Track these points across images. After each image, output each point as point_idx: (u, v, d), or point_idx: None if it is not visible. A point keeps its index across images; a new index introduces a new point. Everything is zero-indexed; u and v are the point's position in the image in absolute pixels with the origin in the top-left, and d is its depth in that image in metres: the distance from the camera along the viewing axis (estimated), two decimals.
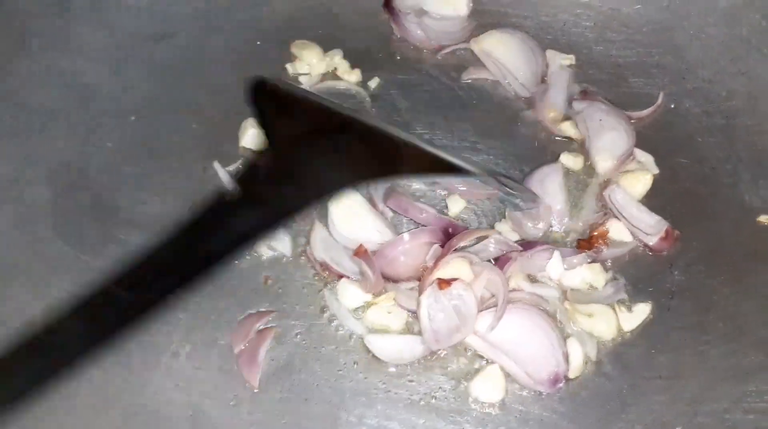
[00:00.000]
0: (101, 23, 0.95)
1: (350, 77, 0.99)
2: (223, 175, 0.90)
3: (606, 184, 0.90)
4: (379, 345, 0.79)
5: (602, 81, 1.00)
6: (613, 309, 0.82)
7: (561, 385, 0.78)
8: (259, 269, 0.85)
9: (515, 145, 0.94)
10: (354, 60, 1.00)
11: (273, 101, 0.72)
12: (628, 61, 1.01)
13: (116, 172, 0.90)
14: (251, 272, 0.85)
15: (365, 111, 0.93)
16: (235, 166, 0.91)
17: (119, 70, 0.95)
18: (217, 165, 0.91)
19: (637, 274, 0.85)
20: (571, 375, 0.79)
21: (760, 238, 0.87)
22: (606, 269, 0.85)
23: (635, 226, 0.86)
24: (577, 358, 0.79)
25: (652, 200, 0.89)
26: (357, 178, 0.67)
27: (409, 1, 1.02)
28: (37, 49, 0.90)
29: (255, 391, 0.78)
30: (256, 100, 0.72)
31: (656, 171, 0.91)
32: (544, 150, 0.94)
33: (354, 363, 0.80)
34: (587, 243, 0.85)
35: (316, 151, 0.67)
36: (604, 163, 0.91)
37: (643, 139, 0.93)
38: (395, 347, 0.79)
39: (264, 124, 0.71)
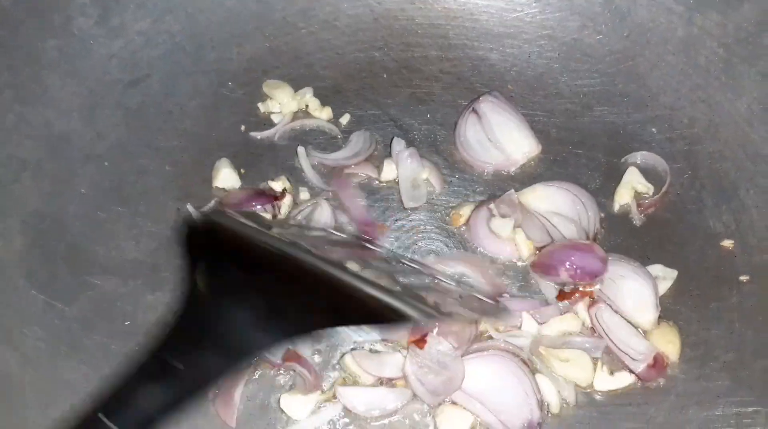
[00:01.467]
0: (71, 72, 0.96)
1: (322, 115, 1.01)
2: (196, 216, 0.91)
3: (593, 302, 0.85)
4: (350, 397, 0.80)
5: (568, 110, 1.02)
6: (593, 363, 0.82)
7: None
8: None
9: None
10: (324, 98, 1.02)
11: (205, 243, 0.70)
12: (592, 89, 1.04)
13: (90, 218, 0.90)
14: None
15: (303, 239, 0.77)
16: (208, 206, 0.92)
17: (91, 117, 0.96)
18: (189, 207, 0.92)
19: None
20: (553, 410, 0.80)
21: (724, 263, 0.89)
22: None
23: (622, 350, 0.81)
24: (554, 400, 0.80)
25: (618, 226, 0.92)
26: (290, 333, 0.62)
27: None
28: (9, 100, 0.91)
29: None
30: (190, 240, 0.69)
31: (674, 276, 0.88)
32: None
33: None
34: (567, 296, 0.86)
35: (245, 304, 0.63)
36: (647, 316, 0.84)
37: (608, 167, 0.96)
38: (367, 399, 0.80)
39: (194, 271, 0.67)
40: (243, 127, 1.00)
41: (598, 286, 0.86)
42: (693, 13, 1.01)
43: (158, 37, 1.02)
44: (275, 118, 1.01)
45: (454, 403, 0.80)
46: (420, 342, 0.79)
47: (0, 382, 0.79)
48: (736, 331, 0.84)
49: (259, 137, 0.99)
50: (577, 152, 0.99)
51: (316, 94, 1.02)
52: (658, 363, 0.81)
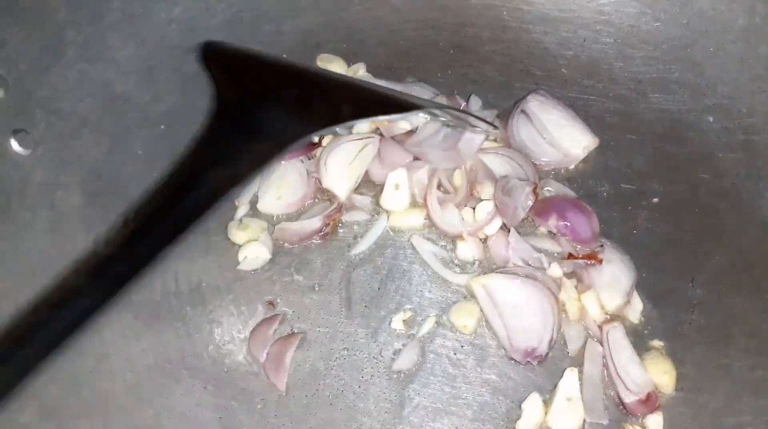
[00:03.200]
0: (133, 34, 0.97)
1: None
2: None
3: (608, 320, 0.83)
4: None
5: (623, 96, 1.01)
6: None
7: (532, 361, 0.80)
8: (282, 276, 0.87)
9: None
10: (376, 75, 1.02)
11: (222, 63, 0.77)
12: (648, 77, 1.02)
13: (146, 179, 0.90)
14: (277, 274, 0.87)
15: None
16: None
17: (149, 80, 0.97)
18: None
19: (655, 287, 0.86)
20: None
21: None
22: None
23: (619, 375, 0.78)
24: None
25: (672, 214, 0.90)
26: (310, 127, 0.69)
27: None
28: (71, 58, 0.92)
29: (282, 394, 0.79)
30: (207, 63, 0.76)
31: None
32: None
33: (378, 370, 0.81)
34: (574, 257, 0.86)
35: (267, 107, 0.70)
36: (612, 302, 0.83)
37: (662, 155, 0.95)
38: None
39: (216, 85, 0.74)
40: None
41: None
42: (755, 2, 0.99)
43: (217, 6, 1.03)
44: None
45: (471, 296, 0.84)
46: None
47: None
48: None
49: None
50: (631, 138, 0.98)
51: (367, 71, 1.02)
52: (650, 400, 0.78)
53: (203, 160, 0.67)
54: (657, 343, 0.83)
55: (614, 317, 0.83)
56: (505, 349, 0.82)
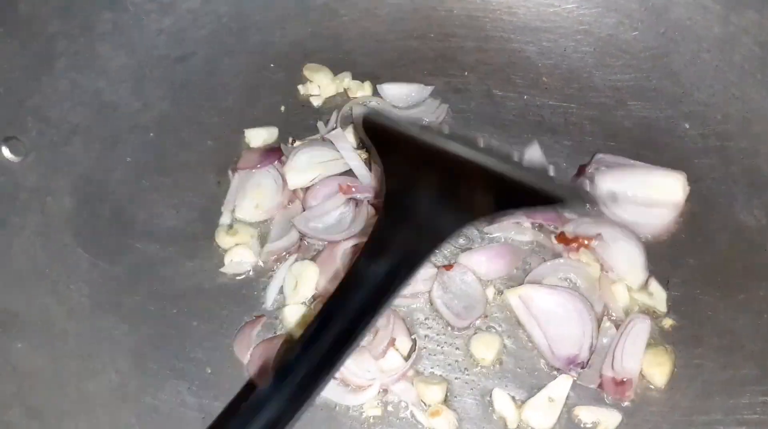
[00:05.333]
0: (123, 44, 1.00)
1: (363, 92, 1.03)
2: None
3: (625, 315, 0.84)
4: None
5: (602, 104, 1.03)
6: None
7: (575, 368, 0.81)
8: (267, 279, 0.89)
9: None
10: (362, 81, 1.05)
11: (387, 144, 0.75)
12: (626, 85, 1.05)
13: (134, 185, 0.94)
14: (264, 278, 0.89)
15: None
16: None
17: (138, 89, 1.00)
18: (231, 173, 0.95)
19: None
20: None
21: (753, 255, 0.90)
22: None
23: (613, 354, 0.80)
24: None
25: None
26: (465, 218, 0.68)
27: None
28: (63, 67, 0.95)
29: None
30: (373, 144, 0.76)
31: (664, 310, 0.86)
32: None
33: None
34: (567, 241, 0.88)
35: (431, 197, 0.68)
36: (636, 280, 0.86)
37: (641, 159, 0.97)
38: None
39: (385, 172, 0.72)
40: (282, 108, 1.02)
41: (596, 242, 0.87)
42: (730, 12, 1.02)
43: (206, 17, 1.06)
44: (314, 101, 1.03)
45: (487, 328, 0.85)
46: (448, 267, 0.86)
47: (45, 331, 0.83)
48: (764, 322, 0.85)
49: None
50: (610, 145, 1.00)
51: (354, 79, 1.05)
52: (624, 385, 0.80)
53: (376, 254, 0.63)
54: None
55: (642, 309, 0.86)
56: (545, 359, 0.83)
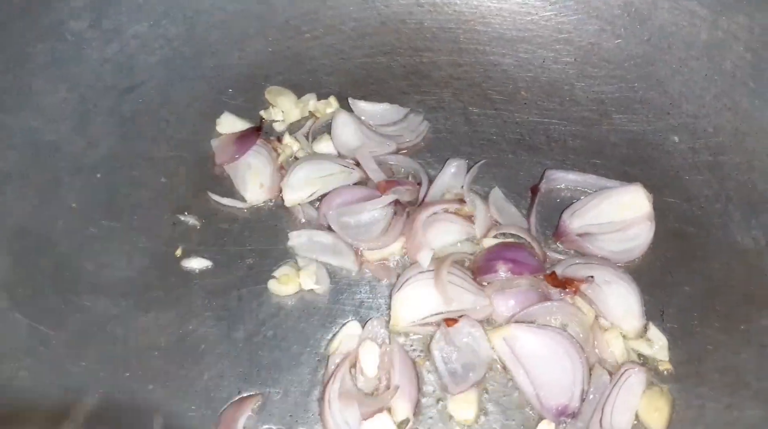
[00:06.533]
0: (62, 77, 0.92)
1: (330, 109, 0.97)
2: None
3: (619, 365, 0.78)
4: None
5: (585, 118, 0.97)
6: None
7: (565, 419, 0.74)
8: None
9: None
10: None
11: None
12: (610, 96, 0.99)
13: (80, 233, 0.85)
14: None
15: None
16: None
17: (82, 126, 0.92)
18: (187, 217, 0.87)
19: None
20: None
21: (754, 281, 0.84)
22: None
23: (602, 409, 0.74)
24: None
25: None
26: None
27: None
28: None
29: None
30: None
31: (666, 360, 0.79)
32: None
33: None
34: (557, 283, 0.81)
35: None
36: (630, 326, 0.80)
37: (628, 178, 0.90)
38: None
39: None
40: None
41: (587, 287, 0.80)
42: (718, 16, 0.96)
43: (155, 42, 0.98)
44: (278, 127, 0.96)
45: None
46: (452, 321, 0.77)
47: None
48: None
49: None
50: (595, 163, 0.93)
51: (319, 99, 0.98)
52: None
53: None
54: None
55: (643, 359, 0.79)
56: (533, 407, 0.76)
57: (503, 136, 0.96)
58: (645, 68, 0.99)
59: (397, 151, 0.93)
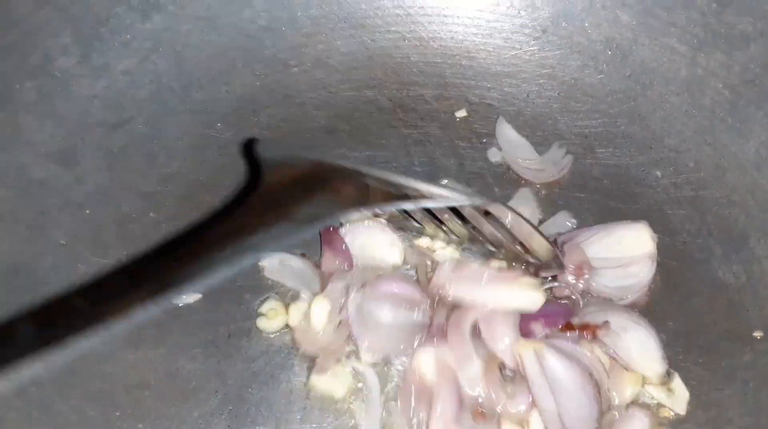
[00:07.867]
0: (50, 113, 0.91)
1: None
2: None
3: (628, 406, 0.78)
4: None
5: (569, 152, 0.98)
6: None
7: None
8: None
9: None
10: (316, 139, 0.99)
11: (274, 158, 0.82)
12: (593, 131, 1.00)
13: (69, 271, 0.85)
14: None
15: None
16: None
17: (70, 162, 0.91)
18: None
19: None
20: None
21: (736, 317, 0.85)
22: None
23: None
24: None
25: None
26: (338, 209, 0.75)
27: None
28: None
29: None
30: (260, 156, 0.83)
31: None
32: None
33: None
34: (572, 328, 0.80)
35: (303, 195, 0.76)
36: (655, 368, 0.80)
37: (611, 213, 0.92)
38: None
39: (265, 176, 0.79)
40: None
41: (603, 332, 0.79)
42: (697, 53, 0.98)
43: (144, 77, 0.98)
44: None
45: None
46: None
47: None
48: (751, 393, 0.80)
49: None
50: (579, 196, 0.95)
51: (307, 134, 0.98)
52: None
53: (233, 228, 0.71)
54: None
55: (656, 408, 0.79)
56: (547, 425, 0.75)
57: (489, 170, 0.97)
58: (627, 103, 1.01)
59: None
